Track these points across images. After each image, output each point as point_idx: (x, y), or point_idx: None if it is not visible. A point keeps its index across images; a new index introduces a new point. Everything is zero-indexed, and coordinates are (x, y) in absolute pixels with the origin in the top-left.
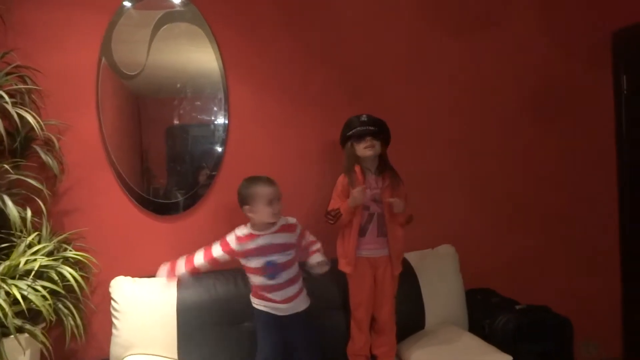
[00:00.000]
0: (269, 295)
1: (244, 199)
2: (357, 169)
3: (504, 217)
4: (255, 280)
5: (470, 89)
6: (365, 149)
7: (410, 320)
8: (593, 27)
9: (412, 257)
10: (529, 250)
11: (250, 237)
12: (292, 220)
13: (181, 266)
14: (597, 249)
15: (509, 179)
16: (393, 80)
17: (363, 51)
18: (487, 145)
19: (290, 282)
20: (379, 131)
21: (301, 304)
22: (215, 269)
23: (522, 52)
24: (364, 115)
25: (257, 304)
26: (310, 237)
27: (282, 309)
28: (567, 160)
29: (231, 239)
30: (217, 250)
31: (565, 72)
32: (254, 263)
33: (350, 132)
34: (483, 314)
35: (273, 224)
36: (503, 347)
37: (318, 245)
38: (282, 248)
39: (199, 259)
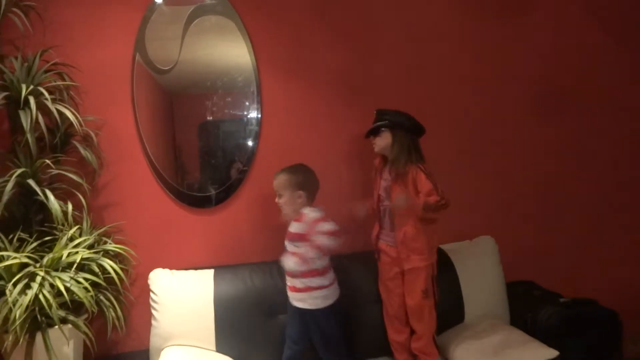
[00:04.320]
0: (290, 282)
1: None
2: (377, 160)
3: (545, 207)
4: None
5: (507, 76)
6: (373, 146)
7: (450, 313)
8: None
9: (450, 248)
10: (574, 241)
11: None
12: (307, 210)
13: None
14: None
15: (551, 166)
16: (429, 69)
17: (398, 41)
18: (526, 132)
19: (294, 274)
20: (380, 125)
21: (310, 301)
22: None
23: (554, 30)
24: (376, 110)
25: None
26: (323, 227)
27: (291, 297)
28: (615, 144)
29: None
30: None
31: (605, 54)
32: None
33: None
34: (525, 307)
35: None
36: (547, 342)
37: (319, 241)
38: (291, 237)
39: None
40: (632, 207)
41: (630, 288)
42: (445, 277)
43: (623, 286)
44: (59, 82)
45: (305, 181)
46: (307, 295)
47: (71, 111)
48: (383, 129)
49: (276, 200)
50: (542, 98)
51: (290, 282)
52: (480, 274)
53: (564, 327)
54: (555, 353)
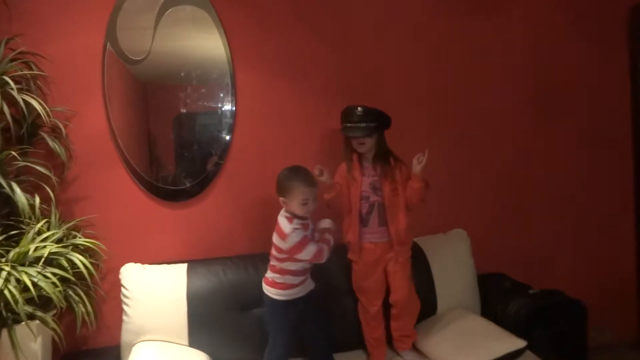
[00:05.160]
0: (297, 280)
1: (281, 190)
2: (354, 157)
3: (516, 200)
4: (296, 267)
5: (481, 71)
6: (358, 145)
7: (422, 305)
8: (609, 1)
9: (423, 241)
10: (542, 234)
11: (305, 226)
12: None
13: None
14: (612, 232)
15: (521, 162)
16: (403, 64)
17: (373, 35)
18: (498, 128)
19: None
20: (373, 126)
21: (311, 284)
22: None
23: (532, 31)
24: (359, 108)
25: (277, 294)
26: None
27: (300, 290)
28: (582, 142)
29: (298, 233)
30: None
31: (578, 51)
32: None
33: (344, 127)
34: (496, 298)
35: None
36: (516, 332)
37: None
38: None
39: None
40: (598, 203)
41: (595, 280)
42: (418, 270)
43: (589, 278)
44: (26, 72)
45: None
46: (308, 280)
47: (38, 101)
48: (371, 132)
49: (311, 204)
50: (520, 95)
51: (300, 280)
52: (453, 266)
53: (533, 317)
54: (523, 343)
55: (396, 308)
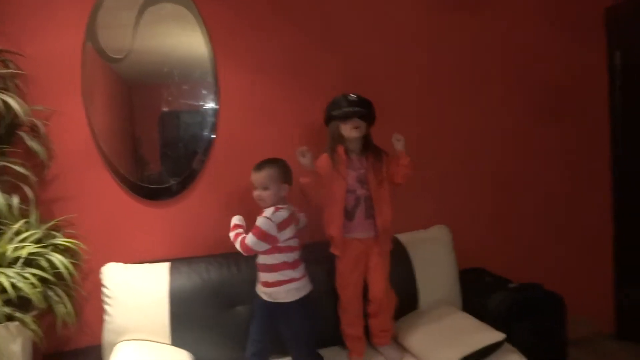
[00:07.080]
0: (259, 276)
1: None
2: (340, 149)
3: (496, 197)
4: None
5: (464, 69)
6: (352, 130)
7: (404, 301)
8: (585, 4)
9: (405, 237)
10: (522, 228)
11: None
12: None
13: None
14: (590, 226)
15: (500, 158)
16: (387, 62)
17: (357, 31)
18: (479, 125)
19: (265, 267)
20: (366, 112)
21: (285, 295)
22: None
23: (514, 30)
24: (353, 94)
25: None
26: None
27: (262, 292)
28: (560, 138)
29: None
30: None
31: (557, 50)
32: None
33: (337, 113)
34: (476, 293)
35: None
36: (497, 326)
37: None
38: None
39: None
40: (576, 197)
41: (573, 272)
42: (400, 265)
43: (567, 271)
44: (4, 70)
45: (289, 175)
46: (280, 289)
47: (16, 100)
48: (365, 117)
49: (257, 193)
50: (503, 95)
51: (262, 277)
52: (435, 262)
53: (512, 311)
54: (502, 336)
55: (375, 304)
